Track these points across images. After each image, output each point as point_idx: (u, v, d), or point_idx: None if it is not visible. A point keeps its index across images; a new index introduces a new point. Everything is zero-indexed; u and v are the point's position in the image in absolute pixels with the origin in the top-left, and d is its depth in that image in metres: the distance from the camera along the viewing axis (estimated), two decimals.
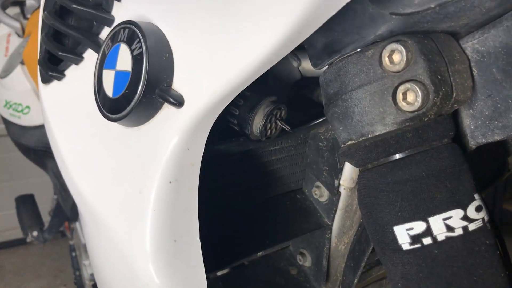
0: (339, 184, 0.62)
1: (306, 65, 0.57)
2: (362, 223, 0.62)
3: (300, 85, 0.60)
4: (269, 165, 0.65)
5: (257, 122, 0.50)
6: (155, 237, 0.43)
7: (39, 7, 1.56)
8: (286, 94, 0.56)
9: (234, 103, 0.51)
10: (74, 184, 0.53)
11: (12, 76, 1.46)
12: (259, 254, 0.62)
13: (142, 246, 0.43)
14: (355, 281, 0.56)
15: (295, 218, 0.66)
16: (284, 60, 0.56)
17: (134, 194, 0.45)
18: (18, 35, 1.60)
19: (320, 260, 0.69)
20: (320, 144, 0.62)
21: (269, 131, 0.52)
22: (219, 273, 0.70)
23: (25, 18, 1.63)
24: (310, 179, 0.68)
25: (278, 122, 0.52)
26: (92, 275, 1.38)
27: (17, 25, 1.56)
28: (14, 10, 1.72)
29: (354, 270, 0.56)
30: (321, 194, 0.66)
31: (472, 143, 0.37)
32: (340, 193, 0.63)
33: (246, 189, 0.65)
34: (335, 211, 0.65)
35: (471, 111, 0.36)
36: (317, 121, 0.58)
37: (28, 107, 1.47)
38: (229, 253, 0.60)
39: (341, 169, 0.60)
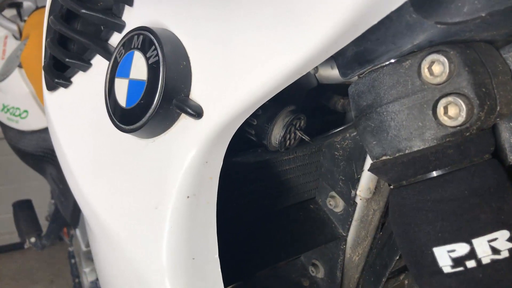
0: (355, 194, 0.60)
1: (323, 72, 0.55)
2: (382, 236, 0.60)
3: (316, 92, 0.58)
4: (282, 175, 0.63)
5: (276, 133, 0.48)
6: (173, 254, 0.41)
7: (36, 9, 1.54)
8: (302, 102, 0.54)
9: (252, 113, 0.49)
10: (83, 196, 0.51)
11: (10, 79, 1.43)
12: None
13: (159, 264, 0.41)
14: None
15: (309, 229, 0.64)
16: None
17: (150, 210, 0.42)
18: (15, 38, 1.57)
19: (334, 272, 0.67)
20: (336, 153, 0.60)
21: (288, 141, 0.50)
22: (229, 287, 0.68)
23: (22, 20, 1.60)
24: (324, 188, 0.66)
25: (298, 132, 0.50)
26: (92, 282, 1.35)
27: (14, 27, 1.53)
28: (10, 12, 1.69)
29: (375, 285, 0.54)
30: (336, 204, 0.64)
31: (511, 158, 0.35)
32: (356, 203, 0.61)
33: (258, 200, 0.63)
34: (351, 221, 0.63)
35: (511, 123, 0.34)
36: (336, 130, 0.56)
37: (26, 111, 1.44)
38: (242, 266, 0.57)
39: (358, 179, 0.58)
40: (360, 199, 0.60)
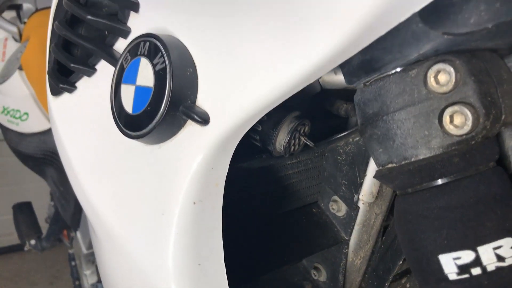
0: (358, 199, 0.60)
1: (326, 78, 0.55)
2: (385, 240, 0.61)
3: (319, 97, 0.59)
4: (285, 179, 0.63)
5: (281, 139, 0.49)
6: (179, 260, 0.41)
7: (36, 11, 1.54)
8: (305, 107, 0.54)
9: None
10: (89, 203, 0.51)
11: (10, 81, 1.43)
12: None
13: (165, 269, 0.42)
14: None
15: (312, 233, 0.64)
16: None
17: (156, 215, 0.43)
18: (15, 40, 1.57)
19: (336, 275, 0.68)
20: (339, 157, 0.61)
21: (293, 147, 0.50)
22: None
23: (22, 22, 1.60)
24: (327, 193, 0.66)
25: (302, 138, 0.50)
26: (93, 285, 1.35)
27: (14, 29, 1.53)
28: (10, 14, 1.69)
29: None
30: (338, 208, 0.65)
31: None
32: (359, 207, 0.61)
33: (261, 204, 0.63)
34: (353, 226, 0.63)
35: None
36: (339, 136, 0.57)
37: (26, 113, 1.44)
38: (246, 270, 0.58)
39: (361, 184, 0.59)
40: (363, 203, 0.61)
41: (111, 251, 0.51)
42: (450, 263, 0.32)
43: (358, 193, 0.59)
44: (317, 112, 0.61)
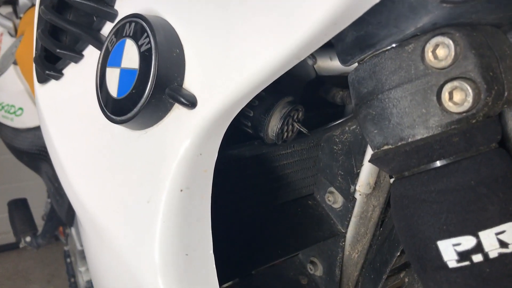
0: (355, 189, 0.58)
1: (322, 63, 0.54)
2: (382, 231, 0.59)
3: (314, 84, 0.57)
4: (279, 170, 0.61)
5: (273, 125, 0.47)
6: (165, 250, 0.39)
7: (32, 6, 1.52)
8: (300, 94, 0.53)
9: (248, 104, 0.47)
10: (74, 192, 0.49)
11: (5, 76, 1.42)
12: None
13: (151, 259, 0.40)
14: None
15: (307, 225, 0.62)
16: None
17: (142, 204, 0.41)
18: (11, 35, 1.56)
19: (333, 270, 0.66)
20: (335, 147, 0.59)
21: (286, 134, 0.48)
22: (224, 285, 0.66)
23: (18, 17, 1.59)
24: (323, 184, 0.64)
25: (295, 124, 0.48)
26: (88, 282, 1.33)
27: (9, 24, 1.52)
28: (6, 9, 1.67)
29: (375, 282, 0.52)
30: (334, 200, 0.63)
31: None
32: (356, 199, 0.59)
33: (255, 195, 0.61)
34: (350, 218, 0.61)
35: None
36: (335, 123, 0.55)
37: (21, 108, 1.42)
38: (237, 264, 0.56)
39: (358, 174, 0.57)
40: (360, 194, 0.59)
41: (96, 242, 0.49)
42: (449, 249, 0.30)
43: (354, 183, 0.58)
44: (312, 101, 0.59)
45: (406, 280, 0.66)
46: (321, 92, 0.57)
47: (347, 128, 0.55)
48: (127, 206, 0.42)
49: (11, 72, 1.42)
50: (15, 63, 1.42)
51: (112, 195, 0.44)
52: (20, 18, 1.54)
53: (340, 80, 0.60)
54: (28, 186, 2.59)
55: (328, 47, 0.56)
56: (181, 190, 0.39)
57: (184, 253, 0.40)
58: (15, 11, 1.64)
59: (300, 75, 0.53)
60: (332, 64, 0.53)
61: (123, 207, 0.43)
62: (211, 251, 0.41)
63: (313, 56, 0.53)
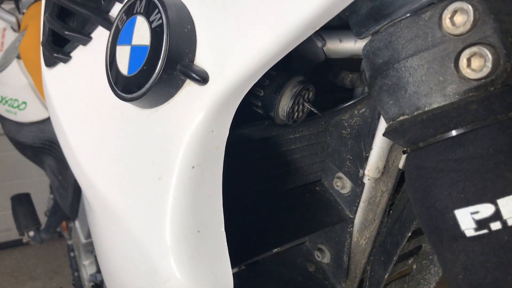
0: (363, 174, 0.58)
1: (331, 46, 0.53)
2: (392, 213, 0.59)
3: (323, 68, 0.57)
4: (288, 155, 0.61)
5: (284, 104, 0.46)
6: (177, 227, 0.39)
7: (35, 1, 1.52)
8: (309, 77, 0.52)
9: (258, 84, 0.47)
10: (84, 173, 0.49)
11: (8, 71, 1.42)
12: (275, 250, 0.57)
13: (162, 237, 0.39)
14: (386, 276, 0.52)
15: (315, 211, 0.62)
16: (309, 40, 0.52)
17: (153, 181, 0.40)
18: (14, 30, 1.56)
19: (341, 256, 0.66)
20: (344, 131, 0.58)
21: (296, 113, 0.48)
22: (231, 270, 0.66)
23: (21, 12, 1.59)
24: (331, 169, 0.64)
25: (306, 104, 0.48)
26: (92, 275, 1.33)
27: (12, 19, 1.52)
28: (9, 5, 1.68)
29: (385, 265, 0.52)
30: (343, 185, 0.62)
31: None
32: (364, 184, 0.59)
33: (263, 180, 0.61)
34: (358, 203, 0.61)
35: None
36: (344, 105, 0.54)
37: (24, 102, 1.42)
38: (245, 248, 0.55)
39: (367, 158, 0.56)
40: (368, 179, 0.58)
41: (106, 223, 0.49)
42: (467, 218, 0.29)
43: (363, 168, 0.57)
44: (321, 84, 0.59)
45: (414, 266, 0.66)
46: (330, 76, 0.57)
47: (356, 112, 0.55)
48: (138, 184, 0.42)
49: (15, 67, 1.42)
50: (18, 57, 1.42)
51: (123, 174, 0.44)
52: (23, 13, 1.54)
53: (349, 64, 0.60)
54: (31, 182, 2.59)
55: (338, 29, 0.56)
56: (193, 167, 0.39)
57: (196, 230, 0.40)
58: (18, 7, 1.65)
59: (310, 57, 0.53)
60: (342, 46, 0.52)
61: (134, 185, 0.42)
62: (223, 229, 0.41)
63: (322, 38, 0.53)
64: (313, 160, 0.64)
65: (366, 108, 0.53)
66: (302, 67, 0.52)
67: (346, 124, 0.58)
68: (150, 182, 0.41)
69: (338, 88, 0.59)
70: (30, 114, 1.42)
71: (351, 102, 0.53)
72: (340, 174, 0.62)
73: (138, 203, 0.42)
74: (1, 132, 1.63)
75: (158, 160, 0.41)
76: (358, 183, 0.59)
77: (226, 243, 0.41)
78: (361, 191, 0.60)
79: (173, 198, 0.39)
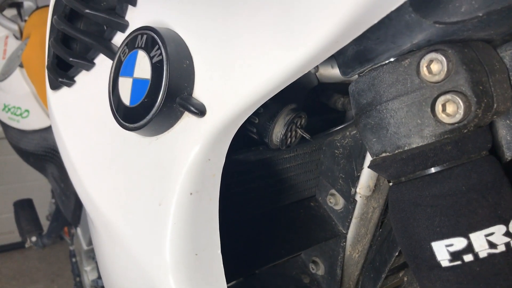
0: (355, 192, 0.60)
1: (324, 71, 0.56)
2: (381, 232, 0.61)
3: (316, 91, 0.59)
4: (283, 173, 0.64)
5: (278, 131, 0.49)
6: (176, 249, 0.42)
7: (37, 8, 1.54)
8: (302, 101, 0.55)
9: (254, 112, 0.49)
10: (88, 195, 0.52)
11: (11, 79, 1.44)
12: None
13: (162, 259, 0.42)
14: None
15: (309, 226, 0.65)
16: None
17: (154, 206, 0.43)
18: (16, 38, 1.58)
19: (334, 269, 0.68)
20: (336, 151, 0.61)
21: (289, 139, 0.51)
22: (229, 284, 0.68)
23: (23, 20, 1.61)
24: (325, 186, 0.67)
25: (299, 131, 0.50)
26: (93, 281, 1.35)
27: (14, 27, 1.54)
28: (11, 12, 1.69)
29: (375, 281, 0.54)
30: (336, 202, 0.65)
31: (508, 155, 0.36)
32: (356, 201, 0.62)
33: (259, 197, 0.63)
34: (351, 219, 0.63)
35: (507, 121, 0.35)
36: (336, 129, 0.57)
37: (27, 110, 1.44)
38: (242, 263, 0.58)
39: (358, 177, 0.59)
40: (360, 196, 0.61)
41: (109, 243, 0.51)
42: (442, 250, 0.32)
43: (355, 186, 0.60)
44: (314, 106, 0.62)
45: (405, 279, 0.68)
46: (323, 98, 0.59)
47: (347, 133, 0.58)
48: (140, 208, 0.45)
49: (17, 75, 1.44)
50: (21, 66, 1.44)
51: (125, 198, 0.46)
52: (25, 20, 1.56)
53: (341, 87, 0.62)
54: (32, 186, 2.61)
55: (329, 57, 0.58)
56: (191, 194, 0.42)
57: (194, 253, 0.42)
58: (20, 14, 1.66)
59: (303, 83, 0.55)
60: (333, 72, 0.55)
61: (136, 209, 0.45)
62: (219, 251, 0.43)
63: None
64: (307, 177, 0.66)
65: (357, 131, 0.56)
66: (295, 92, 0.54)
67: (338, 144, 0.60)
68: (151, 207, 0.43)
69: (332, 109, 0.62)
70: (33, 122, 1.44)
71: (342, 126, 0.56)
72: (333, 191, 0.65)
73: (140, 227, 0.44)
74: (2, 136, 1.65)
75: (158, 187, 0.43)
76: (350, 200, 0.62)
77: (222, 265, 0.43)
78: (353, 208, 0.62)
79: (173, 223, 0.41)
